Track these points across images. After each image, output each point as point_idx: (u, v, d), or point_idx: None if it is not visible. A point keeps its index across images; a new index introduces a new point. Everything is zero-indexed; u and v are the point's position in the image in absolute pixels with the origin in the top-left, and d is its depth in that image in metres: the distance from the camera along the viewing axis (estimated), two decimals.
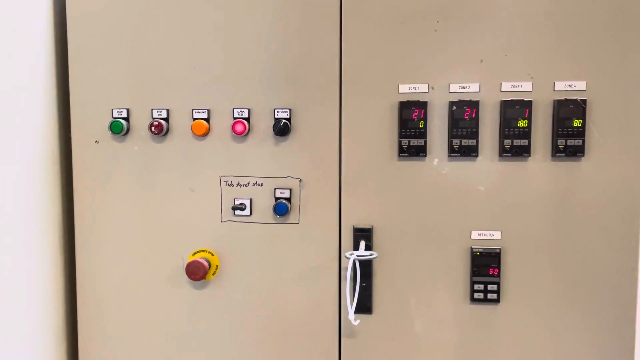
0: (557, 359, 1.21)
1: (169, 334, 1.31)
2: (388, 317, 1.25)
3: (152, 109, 1.27)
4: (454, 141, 1.20)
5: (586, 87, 1.16)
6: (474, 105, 1.18)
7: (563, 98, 1.17)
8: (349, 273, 1.19)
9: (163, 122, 1.25)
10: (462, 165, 1.21)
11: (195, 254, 1.28)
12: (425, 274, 1.23)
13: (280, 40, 1.23)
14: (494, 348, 1.23)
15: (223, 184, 1.27)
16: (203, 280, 1.28)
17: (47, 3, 1.26)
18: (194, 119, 1.26)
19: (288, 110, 1.24)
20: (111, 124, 1.26)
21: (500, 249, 1.21)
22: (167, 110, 1.27)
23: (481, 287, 1.21)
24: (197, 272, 1.24)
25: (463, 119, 1.19)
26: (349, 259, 1.18)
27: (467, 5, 1.18)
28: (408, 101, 1.20)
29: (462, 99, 1.19)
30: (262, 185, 1.26)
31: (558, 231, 1.19)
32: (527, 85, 1.18)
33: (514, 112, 1.18)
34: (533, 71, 1.18)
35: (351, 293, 1.22)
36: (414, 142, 1.21)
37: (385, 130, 1.22)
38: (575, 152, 1.17)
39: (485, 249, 1.21)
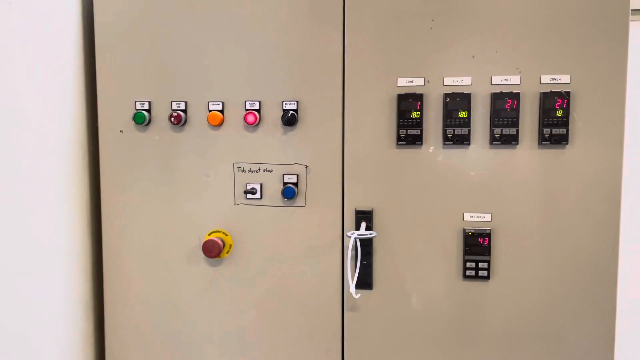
0: (542, 330, 1.31)
1: (187, 306, 1.43)
2: (387, 292, 1.36)
3: (171, 102, 1.39)
4: (447, 130, 1.30)
5: (570, 81, 1.26)
6: (467, 97, 1.28)
7: (549, 90, 1.26)
8: (350, 251, 1.30)
9: (182, 113, 1.37)
10: (456, 153, 1.31)
11: (210, 234, 1.40)
12: (421, 253, 1.34)
13: (288, 38, 1.34)
14: (484, 321, 1.33)
15: (236, 170, 1.39)
16: (218, 258, 1.40)
17: (76, 5, 1.38)
18: (210, 111, 1.37)
19: (295, 102, 1.35)
20: (134, 115, 1.39)
21: (490, 230, 1.31)
22: (185, 103, 1.39)
23: (473, 265, 1.32)
24: (213, 250, 1.36)
25: (456, 110, 1.29)
26: (350, 237, 1.30)
27: (460, 6, 1.28)
28: (406, 94, 1.30)
29: (455, 91, 1.29)
30: (271, 171, 1.37)
31: (544, 213, 1.29)
32: (515, 79, 1.28)
33: (503, 103, 1.27)
34: (521, 66, 1.27)
35: (352, 270, 1.33)
36: (411, 132, 1.31)
37: (384, 120, 1.32)
38: (560, 140, 1.26)
39: (476, 229, 1.31)
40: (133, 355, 1.47)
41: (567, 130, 1.26)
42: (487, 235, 1.31)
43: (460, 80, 1.29)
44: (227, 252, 1.40)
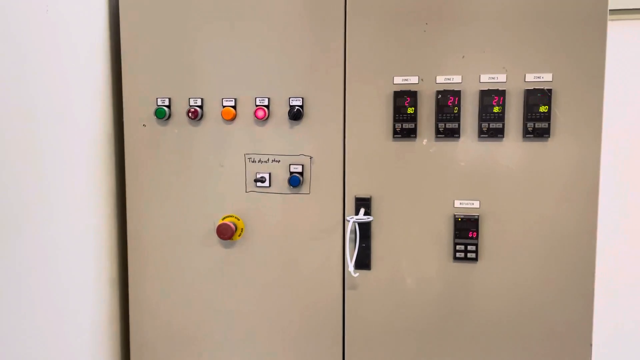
0: (525, 307, 1.43)
1: (203, 283, 1.58)
2: (384, 273, 1.49)
3: (189, 98, 1.53)
4: (439, 124, 1.42)
5: (552, 79, 1.37)
6: (457, 94, 1.40)
7: (532, 88, 1.37)
8: (348, 234, 1.43)
9: (198, 109, 1.51)
10: (447, 145, 1.43)
11: (224, 218, 1.54)
12: (415, 236, 1.46)
13: (294, 41, 1.47)
14: (473, 299, 1.45)
15: (247, 160, 1.52)
16: (230, 240, 1.54)
17: (103, 12, 1.53)
18: (224, 107, 1.51)
19: (301, 99, 1.48)
20: (156, 110, 1.53)
21: (478, 216, 1.43)
22: (202, 99, 1.53)
23: (462, 247, 1.44)
24: (226, 233, 1.50)
25: (447, 106, 1.41)
26: (349, 221, 1.43)
27: (451, 10, 1.39)
28: (401, 91, 1.43)
29: (446, 89, 1.41)
30: (279, 161, 1.51)
31: (528, 201, 1.40)
32: (502, 77, 1.39)
33: (491, 99, 1.39)
34: (507, 65, 1.38)
35: (352, 251, 1.46)
36: (406, 126, 1.43)
37: (381, 115, 1.45)
38: (542, 133, 1.37)
39: (465, 215, 1.43)
40: (154, 328, 1.62)
41: (549, 124, 1.37)
42: (475, 220, 1.42)
43: (451, 79, 1.41)
44: (239, 235, 1.54)
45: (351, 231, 1.45)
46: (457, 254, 1.44)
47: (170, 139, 1.55)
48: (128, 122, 1.57)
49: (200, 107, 1.53)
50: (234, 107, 1.51)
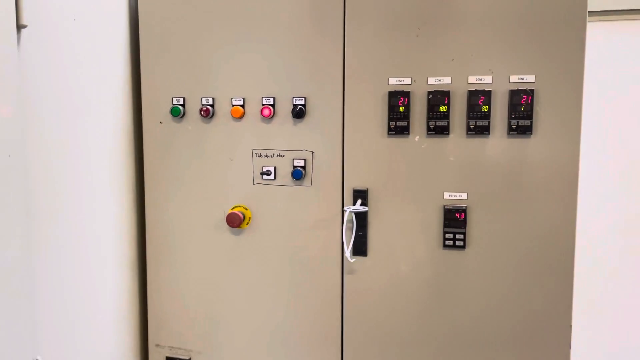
0: (509, 291, 1.54)
1: (214, 267, 1.72)
2: (379, 259, 1.61)
3: (201, 98, 1.67)
4: (430, 122, 1.53)
5: (535, 80, 1.47)
6: (446, 94, 1.51)
7: (516, 88, 1.48)
8: (345, 223, 1.56)
9: (210, 107, 1.65)
10: (437, 141, 1.54)
11: (233, 208, 1.68)
12: (407, 226, 1.58)
13: (298, 45, 1.59)
14: (461, 283, 1.57)
15: (254, 155, 1.66)
16: (239, 228, 1.68)
17: (124, 19, 1.68)
18: (233, 105, 1.64)
19: (304, 98, 1.61)
20: (171, 109, 1.67)
21: (466, 207, 1.54)
22: (213, 99, 1.66)
23: (451, 236, 1.55)
24: (234, 221, 1.64)
25: (438, 105, 1.52)
26: (346, 211, 1.56)
27: (441, 16, 1.50)
28: (395, 91, 1.54)
29: (437, 89, 1.52)
30: (283, 156, 1.64)
31: (512, 193, 1.51)
32: (488, 79, 1.50)
33: (478, 99, 1.50)
34: (493, 67, 1.49)
35: (348, 239, 1.59)
36: (399, 123, 1.55)
37: (377, 113, 1.57)
38: (525, 131, 1.48)
39: (454, 206, 1.55)
40: (170, 307, 1.77)
41: (532, 122, 1.48)
42: (463, 211, 1.54)
43: (442, 80, 1.52)
44: (247, 224, 1.68)
45: (349, 221, 1.58)
46: (446, 242, 1.56)
47: (184, 135, 1.70)
48: (146, 120, 1.72)
49: (212, 106, 1.66)
50: (242, 106, 1.65)
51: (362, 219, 1.60)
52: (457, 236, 1.55)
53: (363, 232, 1.60)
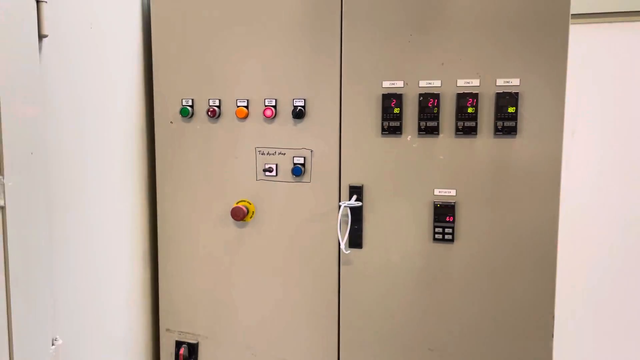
0: (494, 281, 1.63)
1: (220, 258, 1.84)
2: (373, 251, 1.72)
3: (209, 99, 1.78)
4: (421, 123, 1.63)
5: (519, 83, 1.56)
6: (436, 96, 1.61)
7: (502, 91, 1.57)
8: (339, 217, 1.67)
9: (216, 108, 1.77)
10: (428, 141, 1.64)
11: (238, 202, 1.80)
12: (400, 220, 1.69)
13: (298, 51, 1.70)
14: (449, 274, 1.67)
15: (257, 153, 1.77)
16: (243, 221, 1.80)
17: (138, 26, 1.80)
18: (238, 107, 1.76)
19: (303, 100, 1.71)
20: (181, 109, 1.80)
21: (455, 203, 1.64)
22: (219, 100, 1.78)
23: (440, 230, 1.65)
24: (238, 215, 1.76)
25: (428, 107, 1.62)
26: (341, 206, 1.66)
27: (432, 23, 1.60)
28: (388, 93, 1.64)
29: (427, 92, 1.62)
30: (284, 154, 1.75)
31: (497, 190, 1.60)
32: (475, 82, 1.59)
33: (466, 101, 1.59)
34: (480, 71, 1.58)
35: (343, 232, 1.70)
36: (392, 124, 1.65)
37: (372, 114, 1.67)
38: (510, 131, 1.57)
39: (443, 202, 1.64)
40: (180, 296, 1.90)
41: (516, 123, 1.56)
42: (452, 206, 1.64)
43: (432, 83, 1.62)
44: (251, 217, 1.80)
45: (344, 215, 1.69)
46: (436, 236, 1.66)
47: (193, 134, 1.82)
48: (158, 120, 1.84)
49: (218, 107, 1.78)
50: (247, 107, 1.76)
51: (357, 214, 1.70)
52: (446, 230, 1.65)
53: (358, 225, 1.71)
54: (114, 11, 1.69)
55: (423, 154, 1.65)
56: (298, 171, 1.72)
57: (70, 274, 1.53)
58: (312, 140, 1.73)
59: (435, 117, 1.62)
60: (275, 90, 1.74)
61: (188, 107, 1.79)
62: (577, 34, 2.46)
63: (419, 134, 1.64)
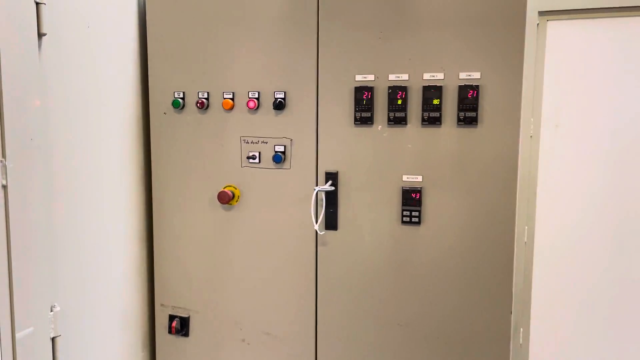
0: (457, 261, 1.75)
1: (210, 238, 2.00)
2: (348, 232, 1.85)
3: (198, 92, 1.94)
4: (390, 114, 1.75)
5: (480, 77, 1.67)
6: (404, 89, 1.73)
7: (464, 84, 1.68)
8: (313, 201, 1.81)
9: (205, 100, 1.92)
10: (396, 131, 1.77)
11: (225, 187, 1.95)
12: (372, 204, 1.81)
13: (278, 48, 1.84)
14: (416, 254, 1.79)
15: (242, 141, 1.92)
16: (229, 205, 1.95)
17: (134, 24, 1.96)
18: (224, 99, 1.91)
19: (283, 93, 1.85)
20: (173, 102, 1.95)
21: (421, 188, 1.76)
22: (208, 93, 1.93)
23: (408, 213, 1.78)
24: (224, 198, 1.91)
25: (397, 99, 1.74)
26: (314, 190, 1.80)
27: (400, 21, 1.72)
28: (360, 86, 1.77)
29: (396, 85, 1.74)
30: (266, 142, 1.89)
31: (460, 176, 1.72)
32: (440, 76, 1.71)
33: (431, 94, 1.71)
34: (444, 65, 1.70)
35: (317, 214, 1.84)
36: (364, 115, 1.78)
37: (346, 106, 1.80)
38: (472, 121, 1.69)
39: (411, 187, 1.77)
40: (173, 273, 2.06)
41: (477, 114, 1.68)
42: (418, 191, 1.76)
43: (400, 77, 1.74)
44: (236, 201, 1.95)
45: (321, 199, 1.83)
46: (404, 219, 1.78)
47: (184, 124, 1.97)
48: (152, 111, 2.00)
49: (207, 99, 1.93)
50: (232, 99, 1.90)
51: (332, 198, 1.84)
52: (413, 213, 1.77)
53: (334, 209, 1.84)
54: (111, 11, 1.84)
55: (392, 143, 1.77)
56: (278, 158, 1.87)
57: (70, 250, 1.69)
58: (291, 130, 1.86)
59: (403, 109, 1.74)
60: (258, 84, 1.88)
61: (179, 99, 1.94)
62: (558, 30, 2.56)
63: (388, 124, 1.76)
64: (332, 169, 1.84)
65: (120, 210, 1.94)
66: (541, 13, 2.61)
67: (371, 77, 1.77)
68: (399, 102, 1.74)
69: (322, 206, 1.84)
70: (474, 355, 1.77)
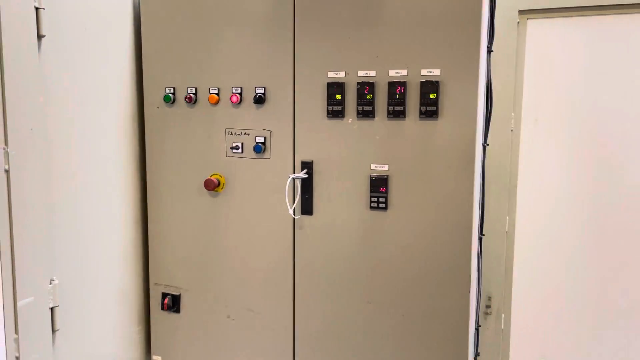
0: (420, 242, 1.90)
1: (199, 222, 2.17)
2: (321, 217, 2.01)
3: (187, 88, 2.11)
4: (359, 107, 1.90)
5: (440, 73, 1.81)
6: (372, 85, 1.88)
7: (425, 80, 1.82)
8: (287, 187, 1.97)
9: (193, 95, 2.09)
10: (365, 123, 1.91)
11: (211, 175, 2.12)
12: (343, 191, 1.97)
13: (259, 47, 2.00)
14: (383, 236, 1.94)
15: (227, 133, 2.09)
16: (215, 192, 2.12)
17: (129, 26, 2.14)
18: (210, 94, 2.08)
19: (263, 88, 2.01)
20: (164, 96, 2.13)
21: (387, 176, 1.91)
22: (195, 88, 2.10)
23: (375, 199, 1.93)
24: (210, 186, 2.08)
25: (365, 94, 1.89)
26: (289, 177, 1.96)
27: (368, 22, 1.86)
28: (332, 82, 1.92)
29: (364, 81, 1.89)
30: (248, 134, 2.06)
31: (422, 165, 1.86)
32: (404, 72, 1.85)
33: (395, 89, 1.86)
34: (408, 63, 1.84)
35: (292, 200, 2.00)
36: (336, 108, 1.93)
37: (319, 100, 1.95)
38: (432, 114, 1.83)
39: (378, 175, 1.91)
40: (166, 255, 2.24)
41: (437, 108, 1.82)
42: (385, 179, 1.91)
43: (368, 73, 1.89)
44: (222, 188, 2.12)
45: (297, 186, 1.99)
46: (372, 204, 1.93)
47: (174, 117, 2.15)
48: (146, 105, 2.18)
49: (195, 94, 2.10)
50: (218, 94, 2.07)
51: (307, 185, 1.99)
52: (380, 200, 1.92)
53: (309, 195, 2.00)
54: (107, 14, 2.03)
55: (361, 134, 1.92)
56: (259, 149, 2.03)
57: (70, 231, 1.88)
58: (271, 122, 2.03)
59: (371, 103, 1.89)
60: (241, 80, 2.04)
61: (170, 94, 2.12)
62: (538, 28, 2.67)
63: (357, 117, 1.91)
64: (307, 159, 1.99)
65: (117, 196, 2.12)
66: (521, 12, 2.73)
67: (342, 74, 1.92)
68: (367, 96, 1.89)
69: (298, 193, 2.00)
70: (435, 330, 1.91)
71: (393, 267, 1.95)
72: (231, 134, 2.08)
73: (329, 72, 1.93)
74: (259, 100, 2.00)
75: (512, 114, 2.78)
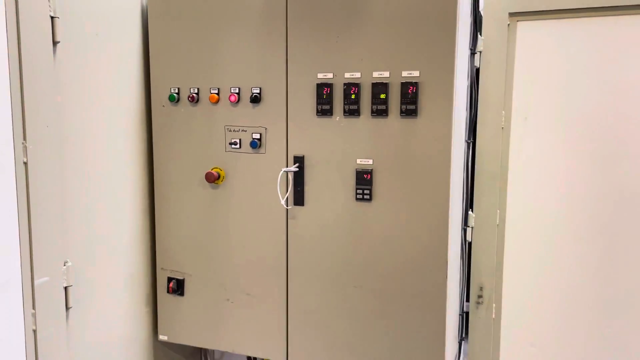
0: (402, 232, 2.05)
1: (201, 212, 2.35)
2: (312, 208, 2.17)
3: (189, 88, 2.29)
4: (346, 106, 2.06)
5: (419, 74, 1.96)
6: (357, 85, 2.03)
7: (405, 81, 1.97)
8: (279, 179, 2.13)
9: (195, 95, 2.27)
10: (351, 121, 2.07)
11: (212, 169, 2.29)
12: (332, 183, 2.13)
13: (255, 49, 2.17)
14: (368, 225, 2.09)
15: (226, 130, 2.26)
16: (216, 184, 2.30)
17: (138, 32, 2.32)
18: (211, 93, 2.25)
19: (259, 88, 2.18)
20: (169, 96, 2.31)
21: (372, 170, 2.06)
22: (198, 88, 2.28)
23: (361, 191, 2.08)
24: (210, 178, 2.25)
25: (351, 94, 2.05)
26: (282, 171, 2.13)
27: (354, 27, 2.02)
28: (322, 83, 2.08)
29: (351, 82, 2.04)
30: (246, 131, 2.23)
31: (403, 160, 2.01)
32: (386, 74, 2.00)
33: (379, 89, 2.01)
34: (390, 65, 1.99)
35: (285, 192, 2.16)
36: (325, 107, 2.09)
37: (310, 99, 2.11)
38: (412, 113, 1.97)
39: (363, 169, 2.07)
40: (172, 242, 2.42)
41: (416, 107, 1.97)
42: (369, 172, 2.06)
43: (354, 75, 2.04)
44: (222, 181, 2.29)
45: (290, 179, 2.15)
46: (358, 196, 2.09)
47: (178, 115, 2.33)
48: (153, 104, 2.37)
49: (197, 93, 2.28)
50: (218, 94, 2.25)
51: (299, 178, 2.16)
52: (365, 192, 2.08)
53: (301, 187, 2.17)
54: (117, 23, 2.21)
55: (348, 131, 2.08)
56: (255, 144, 2.20)
57: (83, 219, 2.08)
58: (266, 120, 2.19)
59: (357, 102, 2.04)
60: (238, 80, 2.21)
61: (174, 94, 2.30)
62: (527, 30, 2.79)
63: (344, 115, 2.07)
64: (299, 154, 2.16)
65: (126, 187, 2.32)
66: (511, 14, 2.85)
67: (330, 75, 2.08)
68: (353, 96, 2.05)
69: (291, 185, 2.17)
70: (415, 311, 2.07)
71: (377, 253, 2.10)
72: (230, 131, 2.26)
73: (318, 74, 2.09)
74: (255, 99, 2.17)
75: (503, 112, 2.90)
